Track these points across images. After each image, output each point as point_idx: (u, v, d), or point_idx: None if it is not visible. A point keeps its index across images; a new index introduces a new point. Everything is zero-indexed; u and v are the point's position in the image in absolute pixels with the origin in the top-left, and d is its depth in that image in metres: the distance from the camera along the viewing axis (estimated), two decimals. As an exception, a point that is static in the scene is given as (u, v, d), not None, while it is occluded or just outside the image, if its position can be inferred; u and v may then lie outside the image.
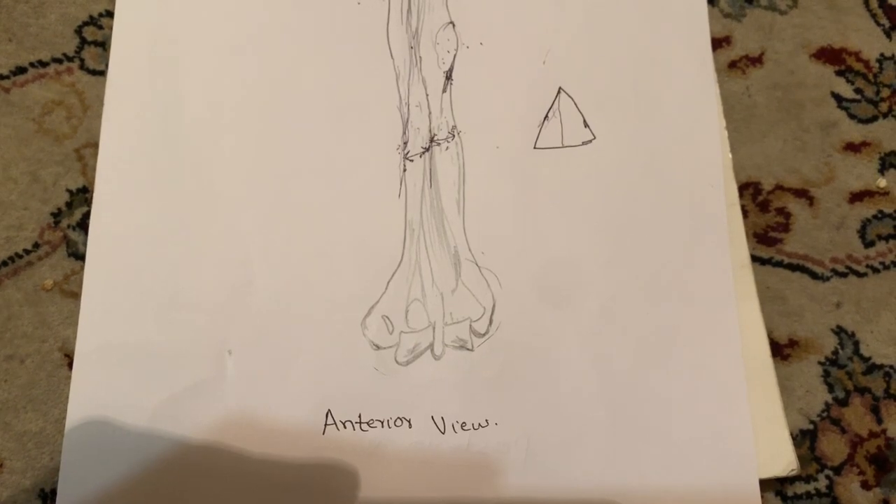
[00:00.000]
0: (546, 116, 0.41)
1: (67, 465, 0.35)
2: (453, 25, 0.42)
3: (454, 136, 0.40)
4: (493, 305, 0.38)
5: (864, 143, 0.44)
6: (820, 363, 0.40)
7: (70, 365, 0.38)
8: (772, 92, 0.44)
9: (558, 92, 0.41)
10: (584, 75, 0.41)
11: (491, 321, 0.37)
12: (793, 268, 0.42)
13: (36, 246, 0.40)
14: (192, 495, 0.35)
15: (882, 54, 0.45)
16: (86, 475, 0.35)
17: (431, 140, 0.40)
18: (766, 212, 0.43)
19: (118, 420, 0.36)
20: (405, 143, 0.40)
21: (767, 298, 0.41)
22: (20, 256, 0.40)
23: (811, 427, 0.39)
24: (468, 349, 0.37)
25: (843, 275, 0.42)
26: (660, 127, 0.41)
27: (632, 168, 0.40)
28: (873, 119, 0.44)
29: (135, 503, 0.35)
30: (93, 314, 0.37)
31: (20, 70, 0.43)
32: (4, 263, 0.40)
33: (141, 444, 0.35)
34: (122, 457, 0.35)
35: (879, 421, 0.40)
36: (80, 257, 0.40)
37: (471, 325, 0.38)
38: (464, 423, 0.36)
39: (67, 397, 0.36)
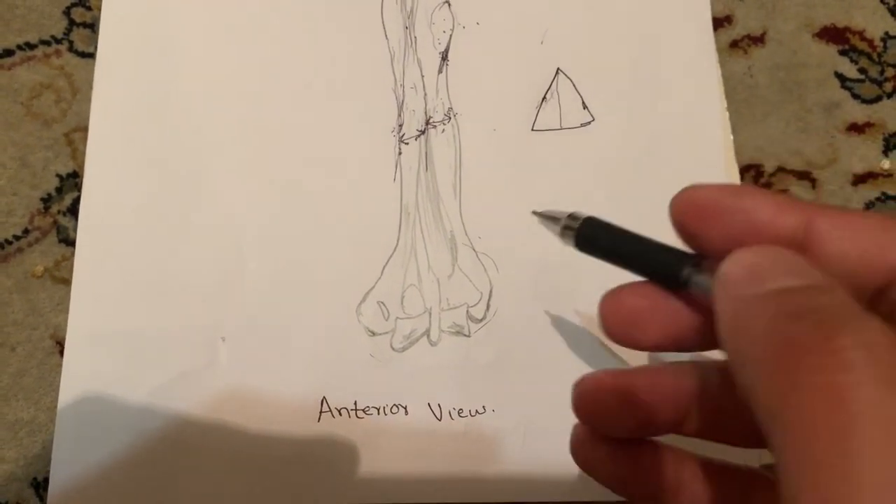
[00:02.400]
0: (544, 98, 0.40)
1: (59, 452, 0.35)
2: (449, 5, 0.41)
3: (450, 118, 0.39)
4: (491, 291, 0.37)
5: (868, 124, 0.43)
6: (822, 347, 0.40)
7: (62, 352, 0.37)
8: (774, 72, 0.44)
9: (556, 72, 0.40)
10: (583, 55, 0.41)
11: (488, 307, 0.37)
12: (795, 251, 0.41)
13: (26, 232, 0.40)
14: (185, 482, 0.35)
15: (887, 33, 0.44)
16: (77, 462, 0.35)
17: (427, 122, 0.39)
18: (768, 194, 0.42)
19: (110, 407, 0.35)
20: (400, 126, 0.39)
21: (769, 282, 0.40)
22: (10, 243, 0.40)
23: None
24: (465, 335, 0.37)
25: (846, 258, 0.41)
26: (660, 108, 0.40)
27: (631, 150, 0.39)
28: (877, 99, 0.43)
29: (127, 490, 0.34)
30: (84, 301, 0.37)
31: (7, 52, 0.42)
32: (-6, 250, 0.39)
33: (133, 432, 0.35)
34: (113, 444, 0.35)
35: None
36: (71, 243, 0.39)
37: (468, 311, 0.37)
38: (461, 409, 0.36)
39: (59, 385, 0.36)
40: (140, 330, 0.36)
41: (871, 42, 0.44)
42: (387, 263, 0.37)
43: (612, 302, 0.24)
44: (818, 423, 0.15)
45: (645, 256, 0.24)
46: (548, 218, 0.27)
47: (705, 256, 0.22)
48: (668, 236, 0.39)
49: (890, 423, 0.14)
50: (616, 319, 0.23)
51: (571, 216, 0.26)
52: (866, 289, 0.20)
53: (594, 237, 0.25)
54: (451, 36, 0.41)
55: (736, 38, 0.44)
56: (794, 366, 0.16)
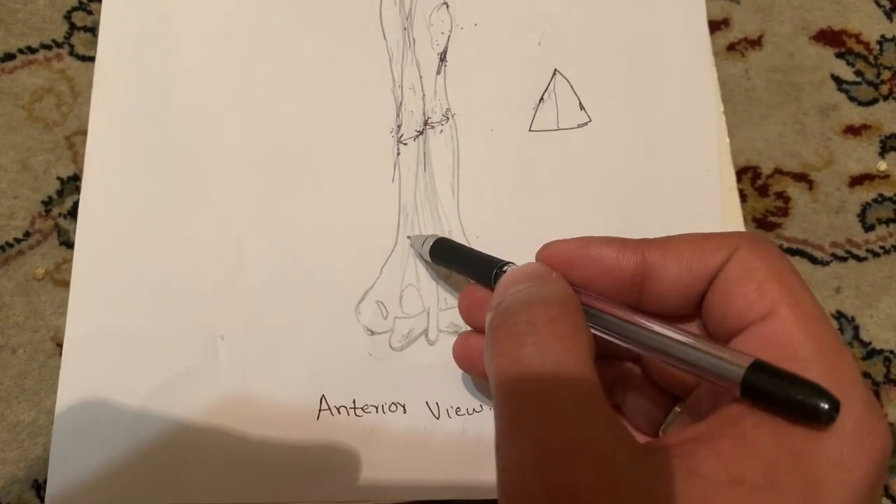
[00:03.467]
0: (541, 98, 0.40)
1: (57, 453, 0.35)
2: (447, 6, 0.41)
3: (448, 118, 0.40)
4: (489, 290, 0.37)
5: (865, 126, 0.43)
6: (820, 348, 0.40)
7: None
8: (771, 75, 0.44)
9: (554, 74, 0.41)
10: (580, 57, 0.41)
11: (486, 306, 0.37)
12: (792, 252, 0.41)
13: (27, 235, 0.40)
14: (184, 482, 0.35)
15: (883, 36, 0.45)
16: (76, 463, 0.35)
17: (425, 123, 0.40)
18: (766, 196, 0.42)
19: (109, 407, 0.35)
20: (398, 127, 0.39)
21: (766, 283, 0.41)
22: (11, 245, 0.40)
23: (811, 412, 0.39)
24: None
25: (843, 259, 0.41)
26: (656, 110, 0.40)
27: (628, 151, 0.39)
28: (873, 102, 0.44)
29: (126, 490, 0.34)
30: (82, 301, 0.37)
31: (8, 56, 0.42)
32: (-5, 252, 0.40)
33: (132, 432, 0.35)
34: (112, 444, 0.35)
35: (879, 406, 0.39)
36: (72, 246, 0.39)
37: (466, 310, 0.37)
38: (458, 408, 0.36)
39: (59, 386, 0.36)
40: (139, 330, 0.36)
41: (867, 45, 0.44)
42: (385, 263, 0.37)
43: (460, 342, 0.33)
44: (497, 382, 0.22)
45: (472, 263, 0.32)
46: (416, 239, 0.36)
47: (511, 264, 0.29)
48: (660, 233, 0.39)
49: (540, 379, 0.21)
50: (462, 357, 0.33)
51: (430, 237, 0.35)
52: (699, 293, 0.24)
53: (442, 251, 0.34)
54: (449, 37, 0.41)
55: (733, 41, 0.44)
56: (492, 343, 0.23)
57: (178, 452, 0.35)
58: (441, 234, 0.38)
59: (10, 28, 0.43)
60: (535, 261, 0.28)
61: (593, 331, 0.24)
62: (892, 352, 0.40)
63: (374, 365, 0.36)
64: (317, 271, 0.37)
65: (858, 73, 0.44)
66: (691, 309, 0.25)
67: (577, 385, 0.20)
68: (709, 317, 0.24)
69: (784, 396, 0.19)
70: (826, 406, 0.19)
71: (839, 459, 0.19)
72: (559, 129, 0.40)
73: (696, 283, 0.24)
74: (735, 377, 0.20)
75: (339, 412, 0.35)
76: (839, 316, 0.40)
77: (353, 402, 0.36)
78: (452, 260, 0.33)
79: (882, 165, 0.43)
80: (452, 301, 0.37)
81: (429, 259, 0.35)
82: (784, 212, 0.42)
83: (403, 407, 0.36)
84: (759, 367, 0.20)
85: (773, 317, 0.22)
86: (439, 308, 0.37)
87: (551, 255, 0.27)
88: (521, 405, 0.21)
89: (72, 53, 0.43)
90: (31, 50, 0.43)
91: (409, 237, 0.37)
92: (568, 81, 0.40)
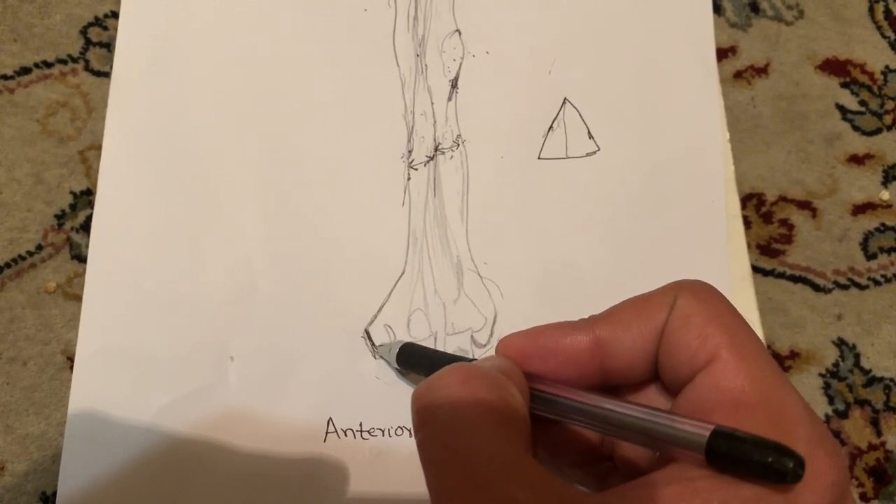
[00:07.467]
0: (551, 127, 0.41)
1: (67, 467, 0.35)
2: (459, 33, 0.42)
3: (459, 144, 0.40)
4: (495, 316, 0.38)
5: (868, 156, 0.44)
6: (821, 375, 0.40)
7: (73, 368, 0.38)
8: (776, 103, 0.44)
9: (563, 102, 0.41)
10: (590, 85, 0.41)
11: (492, 332, 0.37)
12: (795, 279, 0.42)
13: (39, 248, 0.40)
14: (191, 500, 0.35)
15: (887, 66, 0.45)
16: (85, 477, 0.35)
17: (436, 149, 0.40)
18: (769, 223, 0.43)
19: (118, 424, 0.36)
20: (409, 152, 0.40)
21: (769, 310, 0.41)
22: (23, 258, 0.40)
23: (810, 439, 0.39)
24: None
25: (845, 287, 0.42)
26: (663, 140, 0.41)
27: (635, 180, 0.40)
28: (877, 131, 0.44)
29: (135, 508, 0.35)
30: (94, 317, 0.37)
31: (25, 70, 0.43)
32: (7, 265, 0.40)
33: (140, 449, 0.35)
34: (121, 461, 0.35)
35: (879, 433, 0.40)
36: (84, 260, 0.40)
37: (472, 336, 0.38)
38: (464, 432, 0.36)
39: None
40: (149, 347, 0.37)
41: (871, 75, 0.45)
42: (394, 287, 0.38)
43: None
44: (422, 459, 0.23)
45: (437, 363, 0.31)
46: (384, 347, 0.37)
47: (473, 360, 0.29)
48: (666, 263, 0.40)
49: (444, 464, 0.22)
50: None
51: (396, 343, 0.36)
52: (655, 355, 0.24)
53: (407, 355, 0.35)
54: (460, 64, 0.41)
55: (740, 69, 0.45)
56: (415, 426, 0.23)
57: (185, 470, 0.35)
58: (453, 259, 0.39)
59: (27, 42, 0.43)
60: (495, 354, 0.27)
61: (549, 416, 0.25)
62: (892, 380, 0.40)
63: (381, 388, 0.37)
64: (326, 294, 0.38)
65: (863, 102, 0.45)
66: (655, 373, 0.25)
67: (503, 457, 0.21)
68: (664, 374, 0.24)
69: (749, 461, 0.19)
70: (791, 465, 0.19)
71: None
72: (568, 158, 0.40)
73: (650, 346, 0.24)
74: (699, 448, 0.20)
75: (346, 434, 0.36)
76: (840, 343, 0.41)
77: (360, 424, 0.36)
78: (413, 361, 0.34)
79: (885, 195, 0.43)
80: (459, 326, 0.38)
81: (398, 367, 0.36)
82: (788, 239, 0.42)
83: (409, 430, 0.36)
84: (720, 434, 0.20)
85: (715, 362, 0.22)
86: (446, 333, 0.38)
87: (507, 349, 0.26)
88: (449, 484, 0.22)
89: (87, 68, 0.43)
90: (47, 64, 0.43)
91: (377, 347, 0.37)
92: (577, 110, 0.41)
